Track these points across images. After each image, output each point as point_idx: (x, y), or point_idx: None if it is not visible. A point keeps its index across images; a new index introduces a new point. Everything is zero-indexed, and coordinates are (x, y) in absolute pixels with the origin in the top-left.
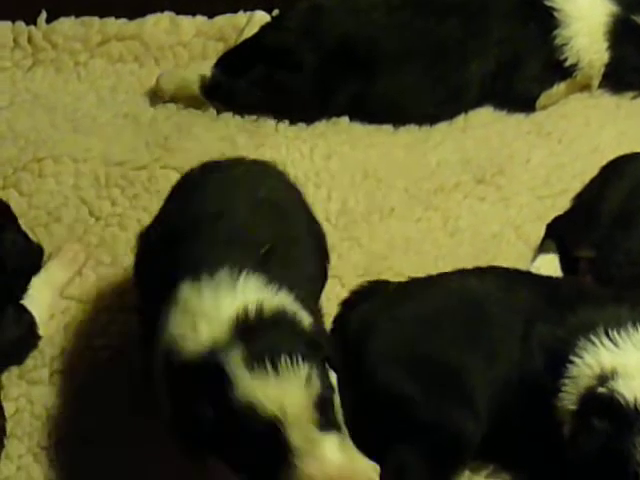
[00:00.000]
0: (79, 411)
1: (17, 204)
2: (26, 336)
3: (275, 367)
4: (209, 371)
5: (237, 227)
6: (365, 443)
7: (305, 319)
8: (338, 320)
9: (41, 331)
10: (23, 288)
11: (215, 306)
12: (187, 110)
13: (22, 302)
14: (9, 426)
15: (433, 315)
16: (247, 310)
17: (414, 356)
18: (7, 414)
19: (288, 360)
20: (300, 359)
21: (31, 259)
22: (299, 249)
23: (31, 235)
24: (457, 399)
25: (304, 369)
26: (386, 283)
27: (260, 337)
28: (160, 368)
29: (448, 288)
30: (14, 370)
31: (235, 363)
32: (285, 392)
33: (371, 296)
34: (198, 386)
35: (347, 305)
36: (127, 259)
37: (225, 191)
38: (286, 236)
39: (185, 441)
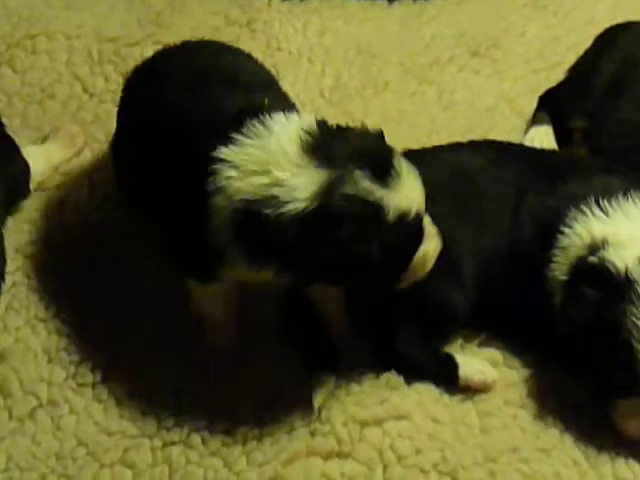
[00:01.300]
0: (76, 284)
1: (10, 82)
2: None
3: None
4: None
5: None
6: (355, 315)
7: None
8: None
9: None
10: None
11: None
12: None
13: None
14: (6, 299)
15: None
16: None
17: None
18: (4, 288)
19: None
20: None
21: None
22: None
23: (25, 113)
24: (443, 269)
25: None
26: None
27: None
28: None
29: (440, 161)
30: (11, 243)
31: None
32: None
33: None
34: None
35: None
36: None
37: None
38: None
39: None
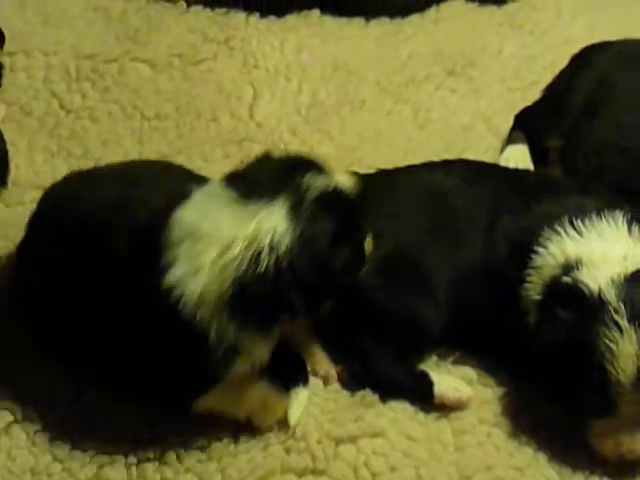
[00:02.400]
0: None
1: None
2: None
3: None
4: None
5: None
6: (329, 332)
7: None
8: None
9: None
10: None
11: None
12: (157, 3)
13: None
14: None
15: (397, 207)
16: None
17: (376, 245)
18: None
19: None
20: None
21: None
22: None
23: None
24: (416, 287)
25: None
26: (355, 175)
27: None
28: None
29: (414, 180)
30: None
31: None
32: None
33: None
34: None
35: None
36: (98, 151)
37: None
38: None
39: None
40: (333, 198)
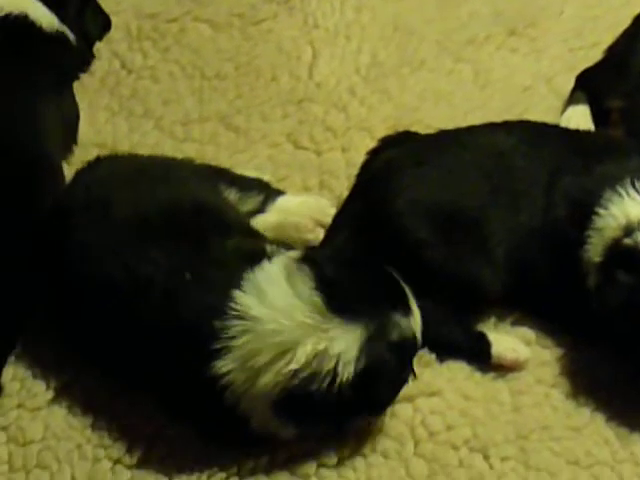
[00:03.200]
0: None
1: None
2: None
3: None
4: None
5: None
6: None
7: None
8: (364, 165)
9: None
10: None
11: None
12: None
13: None
14: None
15: (457, 166)
16: None
17: (435, 204)
18: None
19: None
20: None
21: None
22: None
23: None
24: (475, 248)
25: None
26: (415, 134)
27: None
28: None
29: (475, 141)
30: None
31: None
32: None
33: (399, 145)
34: None
35: (375, 152)
36: (159, 111)
37: None
38: None
39: None
40: (408, 344)
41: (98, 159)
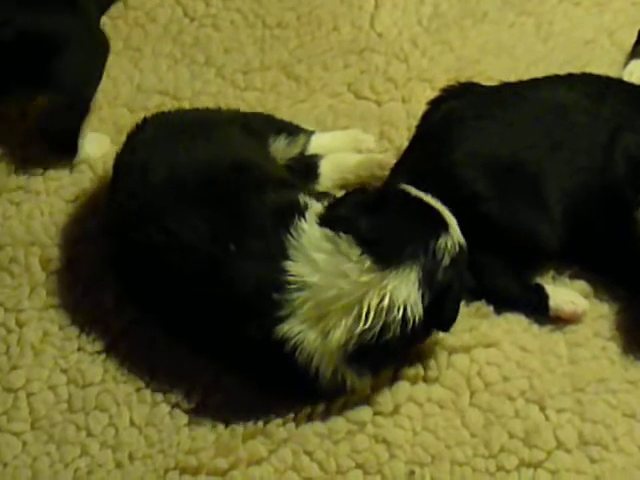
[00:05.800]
0: None
1: (115, 6)
2: None
3: None
4: None
5: None
6: None
7: None
8: (424, 116)
9: None
10: None
11: None
12: None
13: None
14: None
15: (518, 120)
16: None
17: (494, 157)
18: None
19: None
20: None
21: None
22: None
23: (129, 35)
24: (532, 202)
25: None
26: (477, 86)
27: None
28: None
29: (537, 95)
30: None
31: None
32: None
33: (460, 96)
34: None
35: (435, 103)
36: (220, 59)
37: None
38: None
39: None
40: (459, 259)
41: (145, 120)
